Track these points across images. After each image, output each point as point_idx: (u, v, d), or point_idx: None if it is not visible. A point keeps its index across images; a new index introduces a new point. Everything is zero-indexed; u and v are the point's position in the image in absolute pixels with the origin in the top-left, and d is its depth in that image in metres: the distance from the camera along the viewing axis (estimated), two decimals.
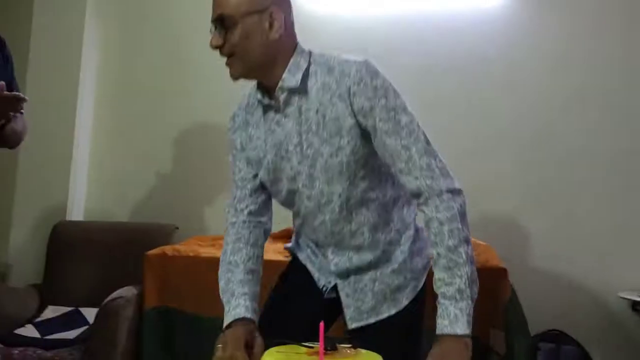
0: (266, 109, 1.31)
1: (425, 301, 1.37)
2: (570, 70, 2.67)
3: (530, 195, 2.65)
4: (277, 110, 1.28)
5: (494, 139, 2.69)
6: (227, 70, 1.32)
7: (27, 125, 1.68)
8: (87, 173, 2.95)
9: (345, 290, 1.35)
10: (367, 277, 1.33)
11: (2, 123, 1.48)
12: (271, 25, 1.21)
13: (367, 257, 1.32)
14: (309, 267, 1.41)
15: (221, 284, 1.32)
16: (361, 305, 1.34)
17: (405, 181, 1.20)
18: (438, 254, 1.16)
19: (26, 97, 1.46)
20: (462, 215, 1.18)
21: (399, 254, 1.34)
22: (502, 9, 2.72)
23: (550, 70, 2.69)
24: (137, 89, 2.96)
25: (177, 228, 2.69)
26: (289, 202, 1.34)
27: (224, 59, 1.27)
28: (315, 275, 1.39)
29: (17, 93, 1.45)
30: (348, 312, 1.34)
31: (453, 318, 1.11)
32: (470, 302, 1.13)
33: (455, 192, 1.18)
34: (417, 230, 1.38)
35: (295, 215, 1.39)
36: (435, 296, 1.16)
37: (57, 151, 2.82)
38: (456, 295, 1.12)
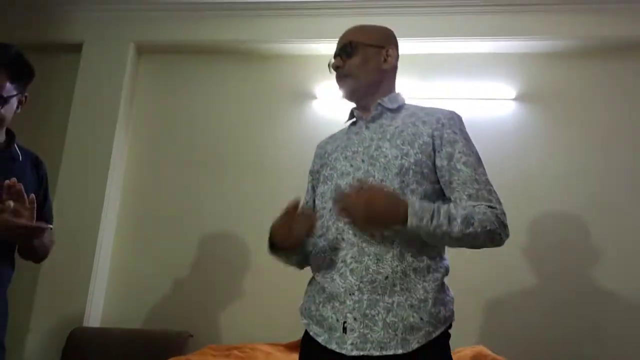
0: (351, 125, 1.55)
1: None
2: (584, 179, 2.73)
3: (552, 308, 2.59)
4: (362, 121, 1.51)
5: (509, 247, 2.68)
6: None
7: (54, 239, 1.75)
8: (107, 280, 2.98)
9: (353, 314, 1.29)
10: (382, 304, 1.29)
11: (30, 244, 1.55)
12: (385, 60, 1.51)
13: (386, 270, 1.30)
14: (325, 312, 1.34)
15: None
16: (368, 333, 1.28)
17: (469, 204, 1.33)
18: (455, 208, 1.31)
19: (49, 227, 1.55)
20: (492, 233, 1.32)
21: (421, 290, 1.31)
22: (514, 117, 2.85)
23: (563, 179, 2.74)
24: (158, 198, 3.06)
25: (192, 336, 2.66)
26: (329, 202, 1.41)
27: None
28: (332, 318, 1.32)
29: (40, 225, 1.52)
30: (351, 337, 1.28)
31: (417, 205, 1.28)
32: (433, 222, 1.26)
33: (506, 225, 1.35)
34: (445, 284, 1.38)
35: (325, 223, 1.42)
36: None
37: (80, 259, 2.86)
38: (439, 208, 1.28)
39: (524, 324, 2.58)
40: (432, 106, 1.51)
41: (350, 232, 1.35)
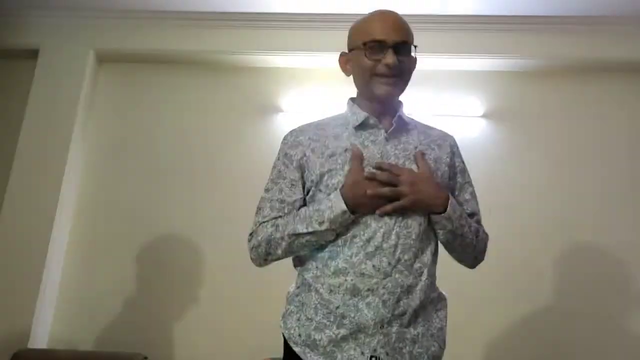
0: (359, 128, 1.40)
1: None
2: (551, 200, 2.74)
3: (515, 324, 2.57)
4: (378, 129, 1.39)
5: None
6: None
7: None
8: (57, 298, 2.81)
9: (385, 349, 1.23)
10: (409, 336, 1.26)
11: None
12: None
13: (415, 302, 1.27)
14: (345, 345, 1.23)
15: (295, 219, 1.33)
16: None
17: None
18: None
19: None
20: (480, 254, 1.45)
21: (437, 320, 1.33)
22: (482, 133, 2.85)
23: (531, 199, 2.74)
24: (113, 212, 2.92)
25: (146, 358, 2.52)
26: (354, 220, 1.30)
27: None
28: (354, 350, 1.23)
29: None
30: None
31: (454, 200, 1.34)
32: (462, 221, 1.34)
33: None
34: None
35: (353, 244, 1.29)
36: None
37: (27, 272, 2.70)
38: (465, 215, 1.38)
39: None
40: (431, 125, 1.51)
41: (384, 259, 1.25)
